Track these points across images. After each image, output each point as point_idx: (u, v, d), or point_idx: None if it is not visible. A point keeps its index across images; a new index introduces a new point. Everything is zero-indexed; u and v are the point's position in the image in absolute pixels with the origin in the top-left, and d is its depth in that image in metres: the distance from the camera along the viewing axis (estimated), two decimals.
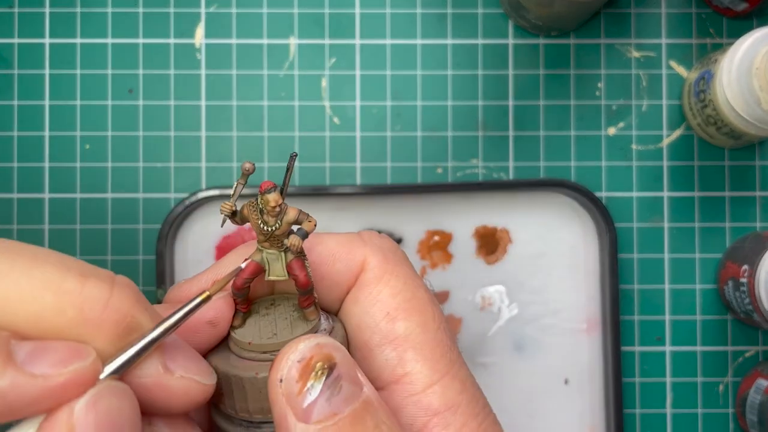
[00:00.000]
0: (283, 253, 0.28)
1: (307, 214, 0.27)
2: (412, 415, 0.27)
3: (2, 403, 0.21)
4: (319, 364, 0.24)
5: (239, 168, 0.55)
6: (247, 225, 0.30)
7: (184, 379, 0.24)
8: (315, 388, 0.24)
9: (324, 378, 0.24)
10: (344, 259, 0.29)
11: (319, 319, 0.28)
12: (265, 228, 0.27)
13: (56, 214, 0.55)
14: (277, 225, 0.27)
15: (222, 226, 0.27)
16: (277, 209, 0.26)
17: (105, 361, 0.23)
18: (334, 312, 0.30)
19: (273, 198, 0.26)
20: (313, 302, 0.28)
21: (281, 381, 0.24)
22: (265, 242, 0.27)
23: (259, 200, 0.27)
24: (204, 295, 0.25)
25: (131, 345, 0.23)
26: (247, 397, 0.26)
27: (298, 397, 0.24)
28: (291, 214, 0.27)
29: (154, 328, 0.24)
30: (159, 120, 0.55)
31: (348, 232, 0.30)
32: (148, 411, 0.24)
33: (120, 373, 0.23)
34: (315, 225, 0.27)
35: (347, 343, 0.29)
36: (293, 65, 0.56)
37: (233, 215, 0.27)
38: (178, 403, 0.25)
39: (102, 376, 0.22)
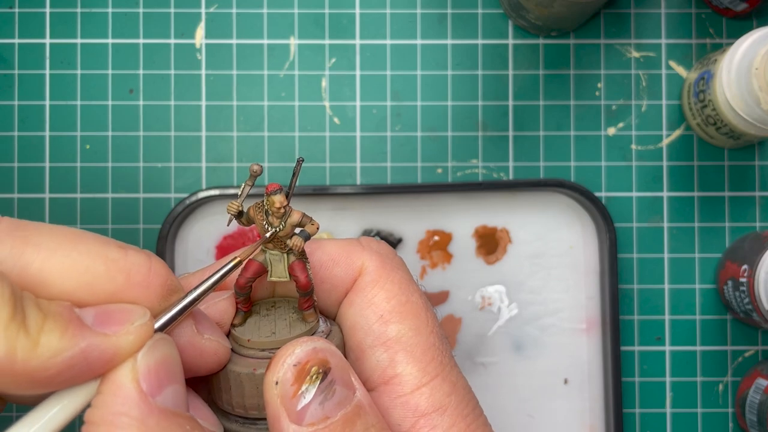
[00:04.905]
0: (285, 255, 0.28)
1: (311, 218, 0.28)
2: (401, 416, 0.28)
3: (85, 363, 0.22)
4: (314, 369, 0.25)
5: (240, 168, 0.55)
6: (252, 226, 0.31)
7: (212, 341, 0.27)
8: (309, 392, 0.25)
9: (318, 382, 0.25)
10: (343, 263, 0.30)
11: (318, 321, 0.29)
12: (270, 229, 0.28)
13: (57, 214, 0.55)
14: (281, 226, 0.28)
15: (228, 225, 0.28)
16: (282, 211, 0.27)
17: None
18: (332, 316, 0.31)
19: (278, 199, 0.27)
20: (313, 305, 0.29)
21: (277, 383, 0.25)
22: (268, 243, 0.28)
23: (264, 201, 0.27)
24: (235, 260, 0.27)
25: (174, 305, 0.25)
26: (244, 393, 0.27)
27: (293, 399, 0.25)
28: (295, 217, 0.28)
29: (194, 288, 0.26)
30: (159, 120, 0.55)
31: (347, 238, 0.31)
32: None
33: (164, 330, 0.25)
34: (318, 228, 0.28)
35: (344, 346, 0.30)
36: (293, 65, 0.56)
37: (239, 215, 0.28)
38: (208, 362, 0.27)
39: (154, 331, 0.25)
